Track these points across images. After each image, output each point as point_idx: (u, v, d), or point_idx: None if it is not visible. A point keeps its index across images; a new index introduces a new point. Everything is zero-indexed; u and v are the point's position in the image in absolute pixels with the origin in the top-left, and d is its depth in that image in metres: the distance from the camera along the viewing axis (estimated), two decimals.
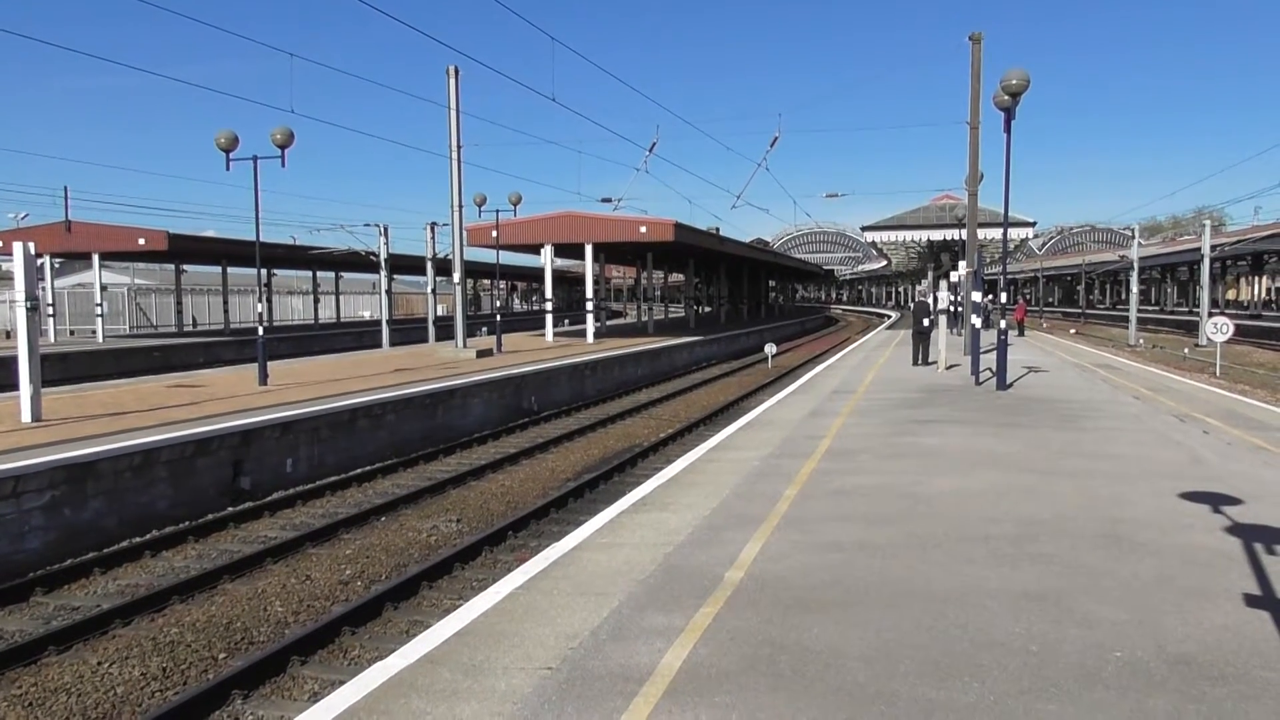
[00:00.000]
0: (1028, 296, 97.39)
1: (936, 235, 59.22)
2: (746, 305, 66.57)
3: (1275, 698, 4.40)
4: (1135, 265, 46.99)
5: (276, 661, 7.09)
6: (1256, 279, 76.54)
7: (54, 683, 6.93)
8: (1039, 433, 12.61)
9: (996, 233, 43.98)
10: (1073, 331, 51.61)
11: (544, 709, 4.43)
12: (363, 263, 42.29)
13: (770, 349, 34.45)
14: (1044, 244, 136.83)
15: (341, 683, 4.99)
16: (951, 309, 29.81)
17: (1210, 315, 35.49)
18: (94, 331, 37.64)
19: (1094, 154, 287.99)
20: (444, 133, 25.38)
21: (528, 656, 5.11)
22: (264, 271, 38.39)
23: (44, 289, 34.15)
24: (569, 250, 37.15)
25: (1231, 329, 27.61)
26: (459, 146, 25.38)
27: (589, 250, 33.28)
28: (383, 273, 39.68)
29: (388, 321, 38.90)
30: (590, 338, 33.54)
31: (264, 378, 18.62)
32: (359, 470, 14.59)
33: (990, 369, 19.05)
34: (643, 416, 21.50)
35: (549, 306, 35.55)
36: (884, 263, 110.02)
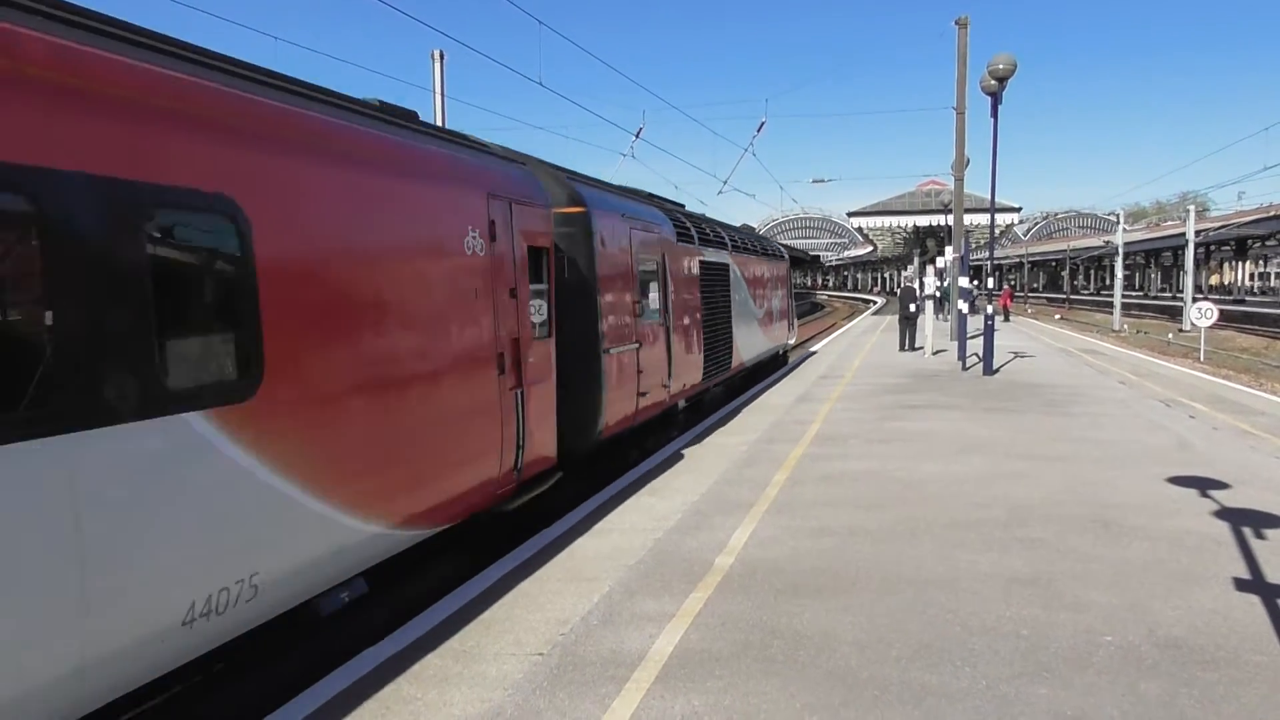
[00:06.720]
0: (1013, 282, 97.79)
1: (922, 221, 59.33)
2: None
3: (1267, 681, 4.40)
4: (1120, 251, 47.19)
5: None
6: (1240, 264, 77.16)
7: None
8: (1026, 418, 12.64)
9: (982, 218, 44.06)
10: (1057, 317, 51.84)
11: (535, 695, 4.39)
12: None
13: None
14: (1029, 229, 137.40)
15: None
16: (937, 295, 29.86)
17: (1194, 300, 35.70)
18: None
19: (1078, 140, 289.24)
20: (430, 117, 25.14)
21: (518, 642, 5.07)
22: None
23: None
24: None
25: (1216, 314, 27.73)
26: None
27: None
28: None
29: None
30: None
31: None
32: None
33: (977, 354, 19.09)
34: None
35: None
36: (870, 248, 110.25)
